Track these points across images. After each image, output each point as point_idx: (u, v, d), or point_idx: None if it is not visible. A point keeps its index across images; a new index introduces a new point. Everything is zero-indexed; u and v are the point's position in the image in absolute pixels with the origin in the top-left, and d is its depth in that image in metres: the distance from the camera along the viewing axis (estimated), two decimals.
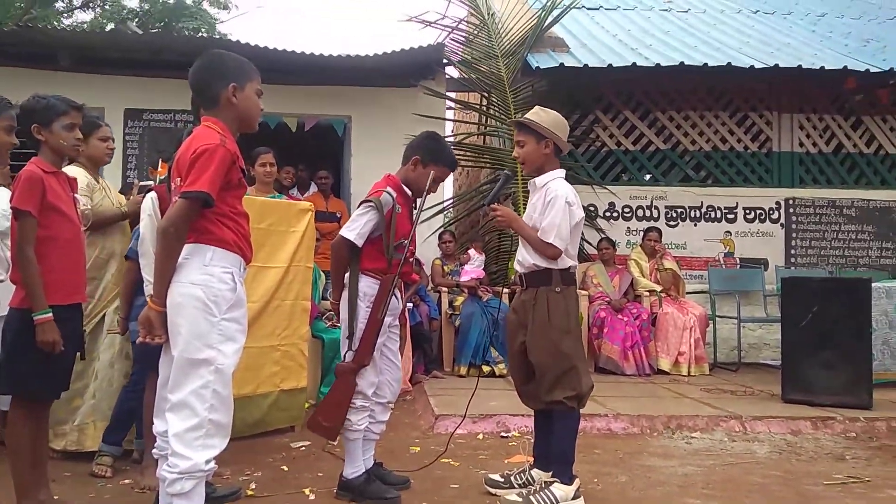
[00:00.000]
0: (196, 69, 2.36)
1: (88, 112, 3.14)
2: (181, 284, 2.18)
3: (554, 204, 2.95)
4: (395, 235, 2.99)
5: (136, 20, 15.71)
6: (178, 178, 2.25)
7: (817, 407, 4.76)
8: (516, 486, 3.09)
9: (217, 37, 12.33)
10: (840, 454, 3.97)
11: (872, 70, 6.84)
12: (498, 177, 3.24)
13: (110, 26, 14.80)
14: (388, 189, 3.05)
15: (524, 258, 3.07)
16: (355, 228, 2.98)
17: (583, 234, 7.12)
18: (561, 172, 3.11)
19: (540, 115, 3.10)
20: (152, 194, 3.01)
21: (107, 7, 16.36)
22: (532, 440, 3.33)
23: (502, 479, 3.13)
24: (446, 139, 7.25)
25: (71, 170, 3.58)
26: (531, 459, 3.23)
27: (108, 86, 6.66)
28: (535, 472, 3.11)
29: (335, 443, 3.82)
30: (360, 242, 2.97)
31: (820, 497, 3.15)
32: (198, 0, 16.52)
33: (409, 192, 3.13)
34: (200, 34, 14.23)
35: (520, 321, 3.08)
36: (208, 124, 2.31)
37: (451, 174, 7.90)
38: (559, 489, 2.90)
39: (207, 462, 2.15)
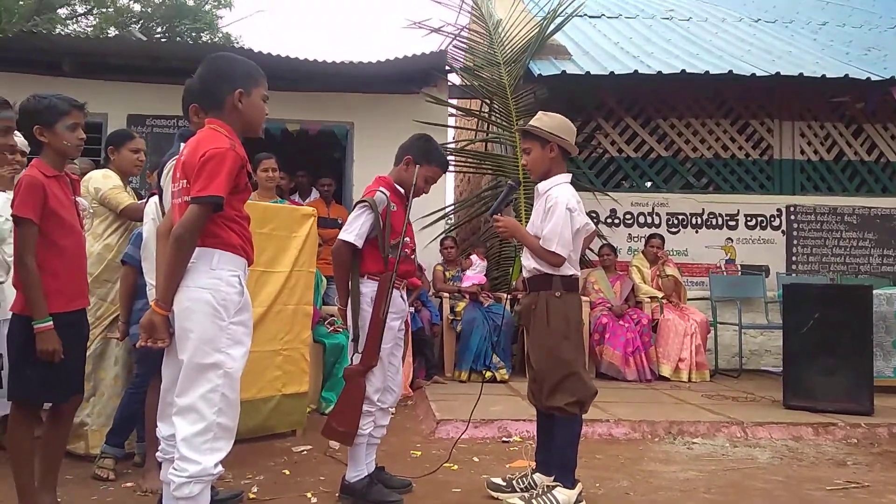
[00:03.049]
0: (204, 72, 2.36)
1: (92, 116, 3.17)
2: (189, 289, 2.17)
3: (554, 211, 2.96)
4: (392, 234, 3.00)
5: (139, 22, 15.79)
6: (185, 181, 2.24)
7: (819, 413, 4.77)
8: (518, 490, 3.09)
9: (220, 43, 12.40)
10: (842, 460, 3.96)
11: (874, 78, 6.87)
12: (502, 186, 3.26)
13: (113, 31, 14.88)
14: (382, 189, 3.07)
15: (528, 262, 3.09)
16: (353, 230, 2.99)
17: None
18: (566, 177, 3.11)
19: (543, 120, 3.11)
20: (154, 198, 3.02)
21: (110, 11, 16.44)
22: (534, 445, 3.34)
23: (505, 484, 3.14)
24: (447, 145, 7.33)
25: (108, 174, 3.64)
26: (533, 464, 3.24)
27: (111, 92, 6.70)
28: (538, 477, 3.11)
29: (338, 447, 3.83)
30: (359, 243, 2.99)
31: (822, 502, 3.15)
32: (200, 1, 16.60)
33: (403, 192, 3.15)
34: (202, 37, 14.32)
35: (525, 323, 3.11)
36: (214, 127, 2.29)
37: (445, 176, 7.90)
38: (561, 493, 2.91)
39: (215, 466, 2.15)
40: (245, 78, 2.34)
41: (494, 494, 3.12)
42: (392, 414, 4.87)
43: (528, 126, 3.14)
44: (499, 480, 3.17)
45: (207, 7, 16.91)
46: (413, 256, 3.16)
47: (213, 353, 2.15)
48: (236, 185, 2.24)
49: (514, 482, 3.13)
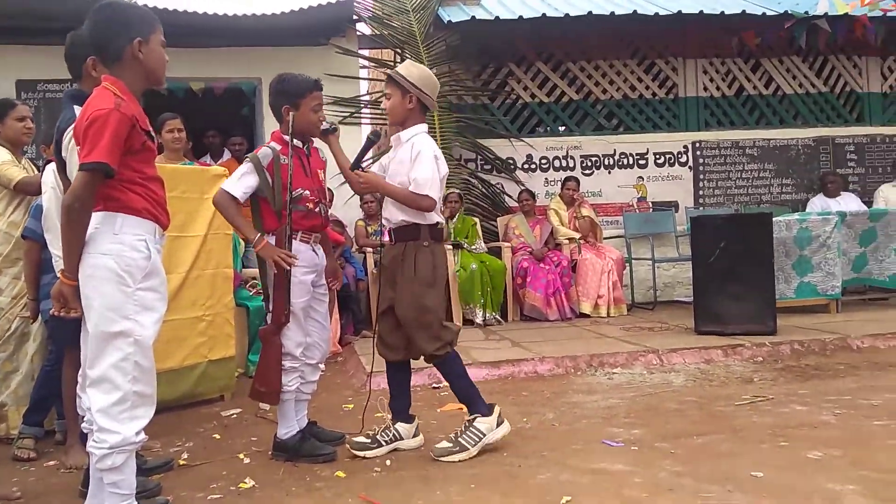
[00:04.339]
0: (95, 23, 2.23)
1: None
2: (91, 255, 2.12)
3: (422, 157, 2.95)
4: (292, 187, 2.90)
5: None
6: (78, 147, 2.16)
7: (727, 336, 5.06)
8: (384, 443, 3.05)
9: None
10: (748, 377, 4.25)
11: (769, 13, 7.13)
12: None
13: None
14: (271, 144, 3.00)
15: (392, 214, 3.05)
16: (232, 181, 2.92)
17: (502, 185, 7.36)
18: (424, 127, 3.10)
19: (409, 70, 3.07)
20: (52, 166, 2.88)
21: None
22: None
23: (369, 440, 3.06)
24: (361, 98, 7.22)
25: None
26: (464, 407, 3.26)
27: None
28: (401, 427, 3.11)
29: (268, 408, 3.83)
30: (238, 195, 2.89)
31: (731, 416, 3.38)
32: None
33: (302, 143, 3.05)
34: None
35: (389, 276, 3.06)
36: (106, 85, 2.20)
37: (361, 129, 7.80)
38: (481, 422, 2.98)
39: (137, 434, 2.13)
40: (141, 24, 2.24)
41: (359, 454, 3.01)
42: (322, 371, 4.90)
43: (392, 72, 3.11)
44: (362, 438, 3.07)
45: None
46: (318, 209, 3.04)
47: (121, 320, 2.11)
48: (129, 147, 2.15)
49: (377, 437, 3.06)
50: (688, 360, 4.71)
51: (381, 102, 7.52)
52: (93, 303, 2.11)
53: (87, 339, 2.19)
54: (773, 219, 5.49)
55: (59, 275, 2.16)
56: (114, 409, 2.09)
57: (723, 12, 7.08)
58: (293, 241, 2.92)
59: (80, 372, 2.28)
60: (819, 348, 4.85)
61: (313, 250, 3.05)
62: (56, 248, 2.69)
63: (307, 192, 2.98)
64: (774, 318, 5.16)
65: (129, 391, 2.11)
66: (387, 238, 3.18)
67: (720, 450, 2.88)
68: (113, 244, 2.13)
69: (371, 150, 3.21)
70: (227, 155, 6.68)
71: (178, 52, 6.24)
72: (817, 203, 7.49)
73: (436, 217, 3.05)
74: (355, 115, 7.10)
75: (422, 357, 3.07)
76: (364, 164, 3.12)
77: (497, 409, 3.05)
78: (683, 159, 7.85)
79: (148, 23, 2.26)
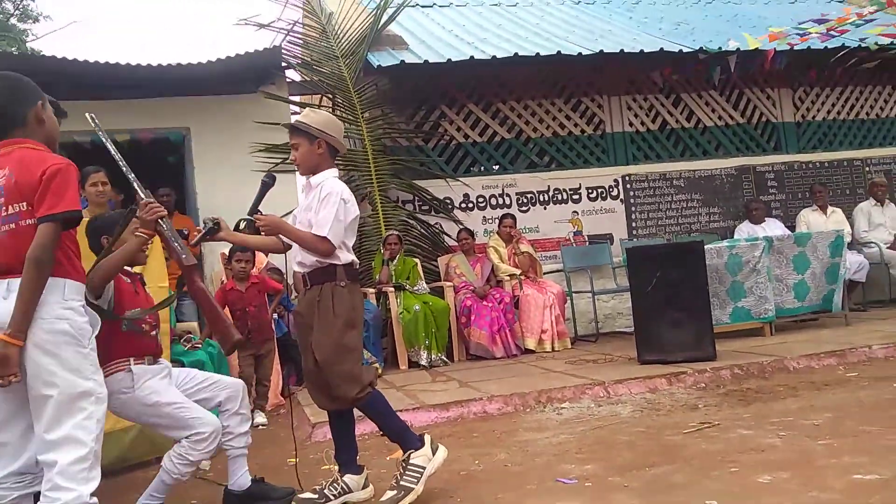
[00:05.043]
0: None
1: None
2: (45, 321, 2.11)
3: (328, 200, 2.91)
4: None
5: None
6: (22, 204, 2.14)
7: (670, 364, 5.13)
8: (332, 497, 2.95)
9: (32, 54, 11.35)
10: (693, 404, 4.30)
11: (685, 50, 7.46)
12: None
13: None
14: None
15: (305, 258, 2.99)
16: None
17: (441, 225, 7.38)
18: (335, 171, 3.08)
19: (311, 117, 3.04)
20: None
21: None
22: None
23: (316, 496, 2.96)
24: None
25: None
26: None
27: None
28: (349, 479, 3.02)
29: (208, 468, 3.65)
30: None
31: (680, 445, 3.40)
32: (3, 16, 15.11)
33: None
34: (11, 52, 13.02)
35: (306, 321, 2.97)
36: (30, 146, 2.22)
37: (295, 176, 7.71)
38: (417, 456, 2.89)
39: (91, 496, 2.11)
40: (37, 92, 2.30)
41: None
42: (264, 425, 4.73)
43: (294, 122, 3.10)
44: (309, 494, 2.98)
45: (12, 21, 15.42)
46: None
47: (83, 381, 2.16)
48: None
49: (324, 491, 2.97)
50: (633, 390, 4.75)
51: None
52: (53, 368, 2.11)
53: (9, 403, 2.15)
54: (705, 246, 5.65)
55: (3, 337, 2.04)
56: (73, 468, 2.09)
57: (642, 50, 7.35)
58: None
59: None
60: (758, 371, 4.97)
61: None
62: None
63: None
64: (713, 344, 5.27)
65: (92, 449, 2.13)
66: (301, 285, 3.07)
67: (673, 480, 2.88)
68: (64, 309, 2.15)
69: (266, 194, 3.08)
70: None
71: (103, 104, 6.12)
72: (744, 229, 7.77)
73: (350, 256, 3.00)
74: (287, 161, 7.01)
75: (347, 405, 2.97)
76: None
77: (428, 438, 2.98)
78: (615, 192, 8.05)
79: (40, 91, 2.33)
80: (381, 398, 3.01)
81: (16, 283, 2.11)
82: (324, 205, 2.91)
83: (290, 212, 4.90)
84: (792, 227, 7.92)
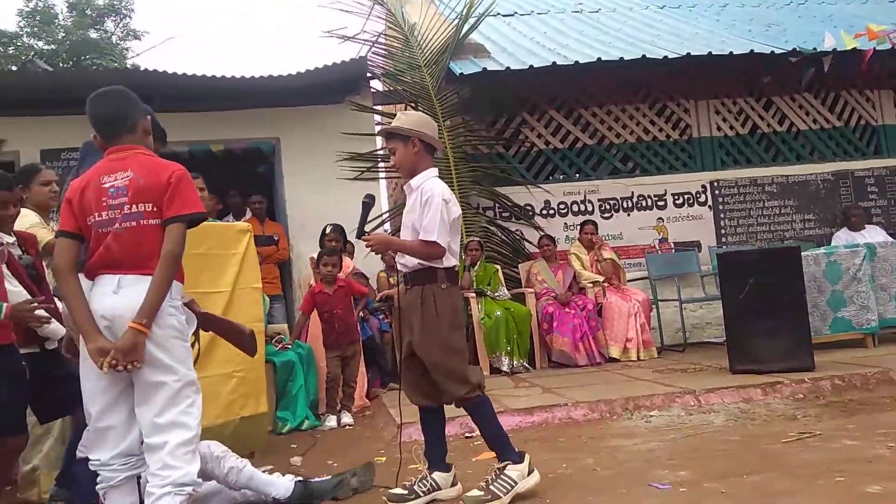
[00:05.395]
0: (113, 98, 2.42)
1: (4, 155, 3.07)
2: (164, 315, 2.25)
3: (431, 202, 2.94)
4: None
5: (41, 59, 15.23)
6: (149, 204, 2.28)
7: (764, 374, 4.92)
8: (421, 494, 2.97)
9: (132, 68, 12.02)
10: (792, 415, 4.11)
11: (777, 52, 7.19)
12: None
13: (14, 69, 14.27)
14: None
15: (407, 259, 3.03)
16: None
17: (522, 232, 7.34)
18: (434, 171, 3.09)
19: (402, 119, 3.09)
20: None
21: (10, 50, 15.76)
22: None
23: (406, 491, 2.98)
24: (377, 152, 7.29)
25: (23, 214, 3.48)
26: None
27: (22, 128, 6.43)
28: (438, 476, 3.03)
29: (299, 462, 3.74)
30: None
31: (780, 454, 3.25)
32: (107, 35, 16.05)
33: None
34: (115, 66, 13.89)
35: (405, 321, 3.03)
36: (145, 152, 2.40)
37: (379, 184, 7.79)
38: (513, 470, 2.88)
39: (198, 476, 2.27)
40: (145, 106, 2.52)
41: None
42: (350, 425, 4.81)
43: (387, 126, 3.14)
44: (399, 490, 3.00)
45: (114, 39, 16.40)
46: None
47: (189, 372, 2.32)
48: None
49: (414, 487, 2.98)
50: (726, 399, 4.58)
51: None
52: (165, 359, 2.25)
53: (105, 391, 2.29)
54: (802, 253, 5.41)
55: (134, 325, 2.18)
56: (180, 450, 2.23)
57: (731, 52, 7.13)
58: None
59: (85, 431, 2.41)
60: (861, 383, 4.70)
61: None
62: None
63: None
64: (811, 354, 5.02)
65: (196, 433, 2.29)
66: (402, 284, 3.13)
67: (775, 488, 2.75)
68: (172, 306, 2.30)
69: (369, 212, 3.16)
70: (248, 214, 6.73)
71: (198, 115, 6.43)
72: (842, 237, 7.40)
73: (452, 260, 3.01)
74: (372, 169, 7.17)
75: (453, 403, 3.00)
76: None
77: (527, 458, 2.96)
78: (702, 199, 7.82)
79: (146, 107, 2.53)
80: (488, 403, 3.02)
81: (126, 279, 2.26)
82: (427, 208, 2.94)
83: (382, 224, 4.93)
84: (895, 235, 7.48)
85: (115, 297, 2.24)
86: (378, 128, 7.95)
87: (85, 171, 2.51)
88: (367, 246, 3.03)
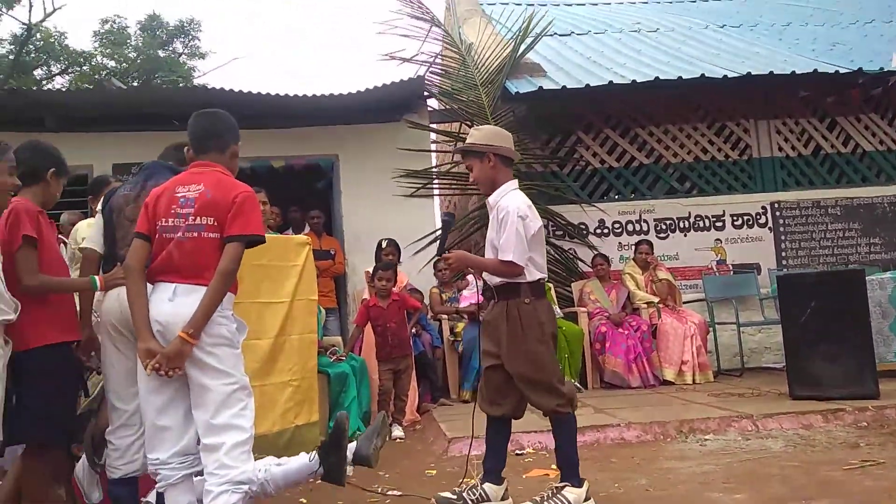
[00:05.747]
0: (213, 117, 2.59)
1: (77, 168, 3.23)
2: (213, 324, 2.35)
3: (507, 220, 2.96)
4: None
5: (116, 78, 15.96)
6: (210, 218, 2.39)
7: (825, 400, 4.78)
8: (469, 502, 2.99)
9: (199, 86, 12.46)
10: (854, 442, 3.98)
11: (842, 71, 7.03)
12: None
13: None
14: None
15: (491, 277, 3.09)
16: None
17: (575, 251, 7.31)
18: (514, 184, 3.11)
19: (474, 135, 3.12)
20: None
21: (85, 69, 16.55)
22: (547, 455, 3.30)
23: (455, 497, 3.03)
24: (431, 169, 7.38)
25: (90, 222, 3.63)
26: (550, 473, 3.20)
27: (95, 143, 6.72)
28: (489, 487, 3.04)
29: (351, 472, 3.79)
30: None
31: (840, 481, 3.16)
32: (176, 55, 16.71)
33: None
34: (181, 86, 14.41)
35: (490, 333, 3.07)
36: (222, 171, 2.52)
37: (433, 200, 7.82)
38: (571, 492, 2.89)
39: (254, 473, 2.34)
40: (240, 133, 2.65)
41: None
42: (402, 438, 4.84)
43: (461, 146, 3.17)
44: (448, 494, 3.05)
45: (182, 59, 17.07)
46: None
47: (241, 376, 2.42)
48: None
49: (463, 494, 3.02)
50: (785, 425, 4.46)
51: (449, 172, 7.77)
52: (214, 364, 2.35)
53: (159, 393, 2.39)
54: (866, 277, 5.25)
55: (183, 335, 2.28)
56: (236, 451, 2.32)
57: (793, 72, 7.01)
58: None
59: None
60: None
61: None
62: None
63: None
64: (876, 381, 4.86)
65: (251, 435, 2.38)
66: (481, 297, 3.23)
67: None
68: (222, 316, 2.39)
69: (449, 230, 3.27)
70: (307, 229, 6.89)
71: (260, 132, 6.64)
72: None
73: (536, 273, 3.02)
74: (428, 186, 7.27)
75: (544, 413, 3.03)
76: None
77: (587, 485, 2.96)
78: (763, 220, 7.66)
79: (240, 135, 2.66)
80: (574, 422, 3.05)
81: (182, 288, 2.37)
82: (503, 227, 2.98)
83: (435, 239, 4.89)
84: None
85: (170, 304, 2.37)
86: (434, 146, 8.07)
87: (145, 185, 2.73)
88: (445, 263, 3.11)
